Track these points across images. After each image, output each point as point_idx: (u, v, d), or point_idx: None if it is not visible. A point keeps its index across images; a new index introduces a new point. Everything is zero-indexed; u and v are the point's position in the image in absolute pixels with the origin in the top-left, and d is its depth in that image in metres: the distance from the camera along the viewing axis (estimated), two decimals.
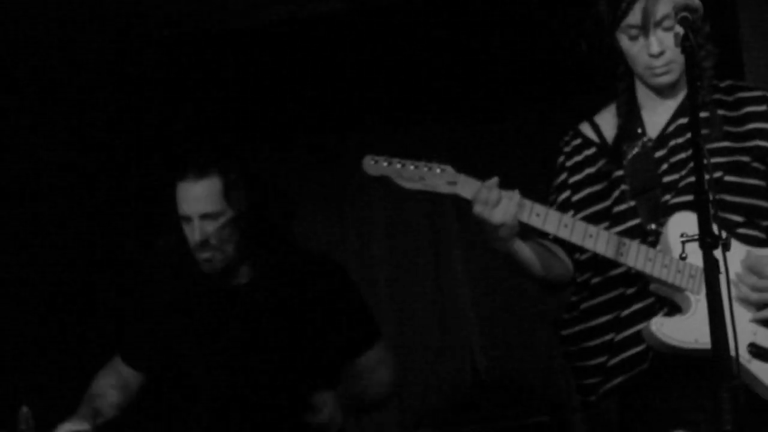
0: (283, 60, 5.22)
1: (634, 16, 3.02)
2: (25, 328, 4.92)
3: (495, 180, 3.00)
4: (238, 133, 5.25)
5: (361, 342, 3.75)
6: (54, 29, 4.88)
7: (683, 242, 2.95)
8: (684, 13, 2.79)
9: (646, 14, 3.01)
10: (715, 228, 2.57)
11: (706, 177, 2.67)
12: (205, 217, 3.55)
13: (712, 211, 2.74)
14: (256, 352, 3.69)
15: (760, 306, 3.03)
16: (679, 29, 2.80)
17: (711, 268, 2.51)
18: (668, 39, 3.01)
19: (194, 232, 3.55)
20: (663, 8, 3.00)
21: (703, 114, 3.06)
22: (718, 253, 2.68)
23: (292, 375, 3.67)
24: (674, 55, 3.02)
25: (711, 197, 2.67)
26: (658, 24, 3.01)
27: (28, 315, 4.95)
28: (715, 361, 2.48)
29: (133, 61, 5.17)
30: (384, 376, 3.75)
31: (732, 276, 2.98)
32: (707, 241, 2.51)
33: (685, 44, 2.74)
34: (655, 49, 3.02)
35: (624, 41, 3.07)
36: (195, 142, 5.03)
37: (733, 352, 2.69)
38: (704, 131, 3.00)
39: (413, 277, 5.51)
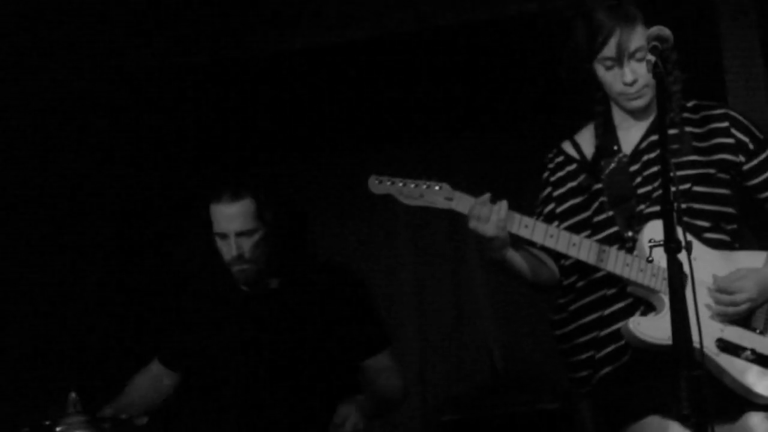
0: (306, 85, 5.26)
1: (609, 50, 3.16)
2: (77, 323, 5.01)
3: (487, 196, 3.15)
4: (269, 150, 5.35)
5: (372, 345, 3.88)
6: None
7: (650, 247, 3.08)
8: (655, 43, 2.89)
9: (620, 48, 3.14)
10: (680, 234, 2.67)
11: (672, 189, 2.76)
12: (240, 234, 3.73)
13: (677, 218, 2.86)
14: (281, 352, 3.83)
15: (735, 317, 3.15)
16: (651, 57, 2.90)
17: (674, 270, 2.63)
18: (641, 68, 3.15)
19: (231, 248, 3.73)
20: (636, 42, 3.15)
21: (672, 131, 3.21)
22: (682, 256, 2.78)
23: (313, 374, 3.80)
24: (646, 81, 3.16)
25: (677, 206, 2.76)
26: (631, 56, 3.15)
27: (81, 311, 5.05)
28: (676, 353, 2.58)
29: (172, 85, 5.22)
30: (394, 381, 3.87)
31: (702, 277, 3.11)
32: (671, 246, 2.63)
33: (656, 71, 2.84)
34: (629, 79, 3.16)
35: (600, 70, 3.20)
36: (228, 166, 5.14)
37: (696, 345, 2.83)
38: (674, 147, 3.17)
39: (434, 273, 5.54)
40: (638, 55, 3.13)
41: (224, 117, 5.33)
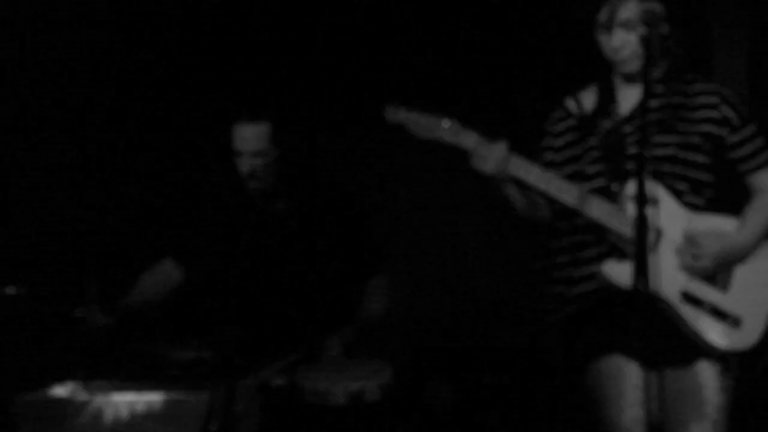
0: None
1: (602, 16, 3.32)
2: (99, 222, 5.26)
3: (484, 138, 3.29)
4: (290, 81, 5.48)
5: (367, 268, 4.16)
6: None
7: (623, 200, 3.24)
8: (646, 15, 3.12)
9: (611, 15, 3.30)
10: (648, 189, 2.84)
11: (646, 153, 2.95)
12: (255, 154, 4.02)
13: (651, 177, 3.14)
14: (282, 264, 4.10)
15: (702, 271, 3.29)
16: (641, 28, 3.12)
17: (641, 220, 2.79)
18: (629, 37, 3.29)
19: (245, 165, 4.02)
20: (626, 12, 3.29)
21: (665, 100, 3.36)
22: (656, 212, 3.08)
23: (309, 287, 4.09)
24: (634, 49, 3.30)
25: (650, 166, 3.00)
26: (621, 24, 3.29)
27: (102, 211, 5.29)
28: (634, 294, 2.73)
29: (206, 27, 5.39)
30: (380, 305, 4.17)
31: (676, 234, 3.29)
32: (639, 199, 2.80)
33: (643, 41, 3.09)
34: (615, 44, 3.32)
35: (598, 34, 3.35)
36: (253, 92, 5.28)
37: (660, 293, 3.10)
38: (665, 114, 3.35)
39: (429, 215, 5.69)
40: (628, 25, 3.27)
41: (250, 47, 5.46)
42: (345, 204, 4.25)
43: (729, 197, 3.45)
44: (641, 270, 2.75)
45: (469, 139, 3.32)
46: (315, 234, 4.15)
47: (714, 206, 3.41)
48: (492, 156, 3.28)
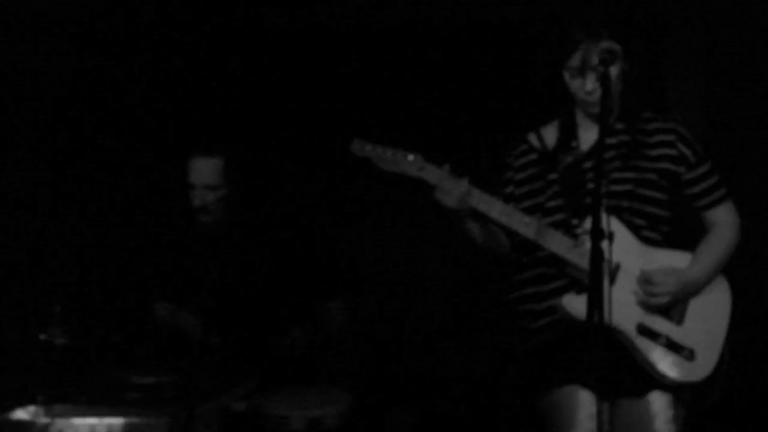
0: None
1: (575, 61, 3.35)
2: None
3: (447, 166, 3.34)
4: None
5: (322, 293, 4.27)
6: None
7: (579, 233, 3.31)
8: (604, 54, 3.17)
9: (584, 60, 3.33)
10: (605, 224, 2.88)
11: (604, 189, 3.12)
12: (207, 187, 4.09)
13: (609, 212, 3.17)
14: (241, 286, 4.19)
15: (657, 307, 3.35)
16: (600, 68, 3.16)
17: (596, 255, 2.84)
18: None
19: (197, 198, 4.09)
20: (595, 53, 3.30)
21: (624, 137, 3.43)
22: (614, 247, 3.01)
23: (266, 311, 4.19)
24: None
25: (605, 202, 3.04)
26: (593, 68, 3.31)
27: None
28: (587, 326, 2.77)
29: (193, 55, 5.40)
30: (335, 326, 4.26)
31: (633, 268, 3.34)
32: (595, 233, 2.86)
33: (603, 79, 3.13)
34: (589, 88, 3.35)
35: (567, 77, 3.39)
36: (206, 128, 5.29)
37: (614, 325, 3.18)
38: (624, 151, 3.42)
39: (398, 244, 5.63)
40: (599, 67, 3.24)
41: (212, 81, 5.49)
42: (299, 234, 4.32)
43: (685, 232, 3.52)
44: (596, 302, 2.80)
45: (432, 174, 3.36)
46: (264, 265, 4.22)
47: (670, 241, 3.46)
48: (455, 191, 3.33)
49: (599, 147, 3.05)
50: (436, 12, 5.16)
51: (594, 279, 2.83)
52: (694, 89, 4.90)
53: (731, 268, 3.50)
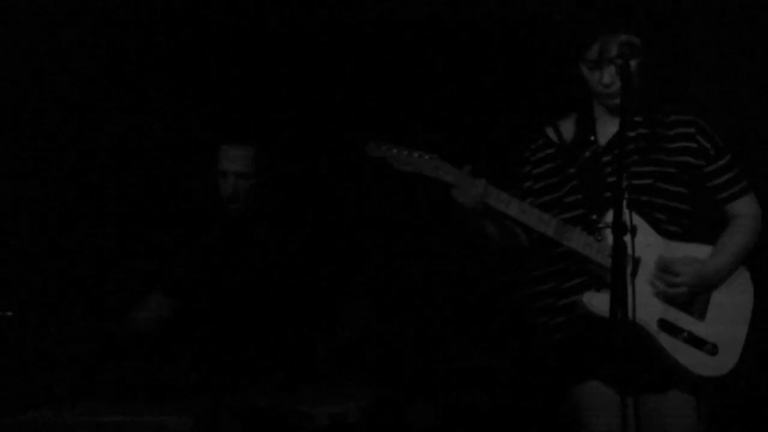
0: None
1: (592, 53, 3.37)
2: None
3: (468, 168, 3.36)
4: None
5: (349, 290, 4.31)
6: None
7: (600, 228, 3.32)
8: (624, 47, 3.22)
9: (601, 53, 3.35)
10: (627, 218, 2.92)
11: (624, 183, 3.07)
12: (239, 175, 4.12)
13: (629, 206, 3.12)
14: (263, 281, 4.18)
15: (676, 298, 3.35)
16: (619, 61, 3.19)
17: (617, 249, 2.86)
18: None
19: (228, 186, 4.13)
20: (615, 49, 3.33)
21: (643, 131, 3.44)
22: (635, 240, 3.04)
23: (278, 302, 4.17)
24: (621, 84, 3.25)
25: (627, 195, 3.05)
26: (611, 60, 3.34)
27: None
28: (611, 324, 2.80)
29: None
30: (360, 323, 4.34)
31: (653, 261, 3.35)
32: (617, 228, 2.88)
33: (622, 73, 3.16)
34: (607, 80, 3.37)
35: (584, 70, 3.41)
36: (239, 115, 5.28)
37: (639, 322, 3.16)
38: (643, 144, 3.42)
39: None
40: (618, 60, 3.30)
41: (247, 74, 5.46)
42: (326, 233, 4.36)
43: (707, 226, 3.52)
44: (619, 299, 2.83)
45: (449, 173, 3.38)
46: (291, 255, 4.24)
47: (692, 234, 3.46)
48: (472, 190, 3.35)
49: (619, 140, 3.07)
50: (450, 8, 5.18)
51: (616, 275, 2.85)
52: (715, 83, 4.87)
53: (754, 261, 3.51)
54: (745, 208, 3.50)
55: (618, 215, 2.90)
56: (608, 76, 3.36)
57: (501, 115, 5.29)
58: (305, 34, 5.39)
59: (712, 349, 3.37)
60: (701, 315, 3.39)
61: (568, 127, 3.56)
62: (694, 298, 3.39)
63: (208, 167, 4.21)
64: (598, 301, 3.29)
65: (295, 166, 4.51)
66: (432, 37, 5.29)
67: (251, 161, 4.17)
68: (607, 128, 3.47)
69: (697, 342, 3.36)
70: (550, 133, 3.58)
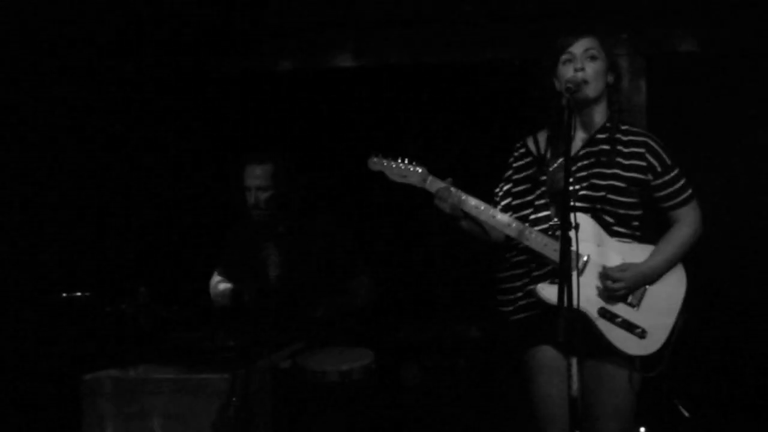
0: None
1: (562, 57, 3.55)
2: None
3: (450, 180, 3.60)
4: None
5: (349, 271, 4.64)
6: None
7: (552, 226, 3.54)
8: (589, 51, 3.45)
9: (577, 46, 3.54)
10: (572, 219, 3.09)
11: (583, 192, 3.40)
12: (260, 188, 4.51)
13: (585, 211, 3.44)
14: (286, 269, 4.59)
15: (618, 299, 3.54)
16: (600, 63, 3.42)
17: (564, 246, 3.08)
18: (589, 66, 3.52)
19: (251, 198, 4.52)
20: (588, 44, 3.53)
21: (605, 147, 3.60)
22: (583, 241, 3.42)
23: (306, 291, 4.55)
24: (591, 76, 3.52)
25: (573, 200, 3.29)
26: (583, 52, 3.53)
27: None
28: (558, 306, 3.02)
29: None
30: (361, 299, 4.63)
31: (602, 260, 3.53)
32: (564, 227, 3.10)
33: (610, 87, 3.45)
34: (578, 65, 3.52)
35: (560, 69, 3.54)
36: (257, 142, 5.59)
37: (579, 308, 3.39)
38: (603, 159, 3.59)
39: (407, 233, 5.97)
40: (589, 53, 3.50)
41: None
42: (331, 224, 4.72)
43: (655, 227, 3.73)
44: (565, 290, 3.06)
45: (433, 184, 3.61)
46: (306, 250, 4.63)
47: (642, 234, 3.67)
48: (450, 200, 3.58)
49: (566, 161, 3.23)
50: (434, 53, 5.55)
51: (563, 269, 3.07)
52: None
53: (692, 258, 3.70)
54: (684, 215, 3.67)
55: (564, 216, 3.12)
56: (579, 62, 3.54)
57: (478, 136, 5.70)
58: (320, 82, 5.78)
59: (642, 333, 3.58)
60: (637, 304, 3.60)
61: (544, 139, 3.73)
62: (632, 291, 3.60)
63: (236, 183, 4.59)
64: (548, 292, 3.54)
65: (308, 176, 4.79)
66: (421, 78, 5.73)
67: (270, 176, 4.55)
68: (575, 142, 3.64)
69: (629, 326, 3.57)
70: (530, 143, 3.75)
